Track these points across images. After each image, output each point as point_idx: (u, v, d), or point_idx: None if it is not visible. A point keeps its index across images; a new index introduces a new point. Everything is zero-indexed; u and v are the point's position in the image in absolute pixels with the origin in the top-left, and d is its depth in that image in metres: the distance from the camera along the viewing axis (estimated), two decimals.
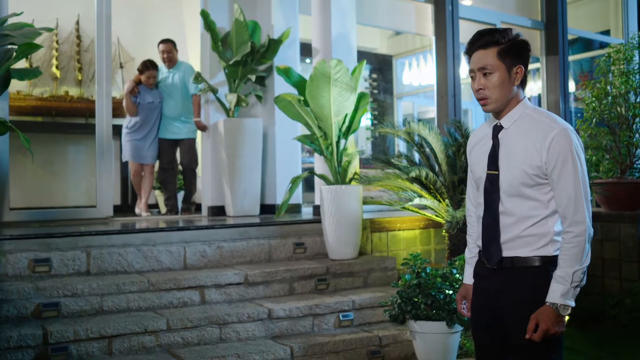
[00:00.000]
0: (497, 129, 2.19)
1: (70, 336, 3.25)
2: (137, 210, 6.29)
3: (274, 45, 5.71)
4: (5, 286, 3.47)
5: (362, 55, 6.18)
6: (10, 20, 4.40)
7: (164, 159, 6.27)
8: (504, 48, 2.11)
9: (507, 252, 2.17)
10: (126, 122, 6.15)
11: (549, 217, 2.11)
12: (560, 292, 2.03)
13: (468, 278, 2.42)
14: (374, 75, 9.97)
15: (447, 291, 3.67)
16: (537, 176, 2.08)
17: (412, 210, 4.92)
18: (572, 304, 2.04)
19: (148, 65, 6.15)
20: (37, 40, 4.09)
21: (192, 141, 6.31)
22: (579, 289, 2.04)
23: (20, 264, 3.71)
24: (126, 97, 6.02)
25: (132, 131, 6.08)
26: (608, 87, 5.89)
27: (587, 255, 2.04)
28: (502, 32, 2.13)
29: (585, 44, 9.41)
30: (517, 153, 2.12)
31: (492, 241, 2.20)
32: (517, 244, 2.14)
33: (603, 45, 8.82)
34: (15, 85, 6.54)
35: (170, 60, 6.20)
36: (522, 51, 2.14)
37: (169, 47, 6.20)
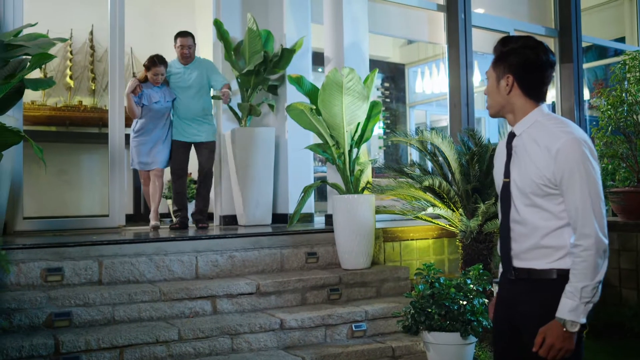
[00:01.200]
0: (511, 137, 2.17)
1: (82, 346, 3.23)
2: (152, 223, 5.57)
3: (286, 54, 5.72)
4: (17, 295, 3.47)
5: (374, 64, 6.16)
6: (25, 31, 4.45)
7: (174, 163, 5.62)
8: (496, 57, 2.15)
9: (522, 263, 2.11)
10: (133, 125, 5.54)
11: (563, 228, 2.03)
12: (569, 307, 1.95)
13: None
14: (387, 84, 9.95)
15: (461, 302, 3.62)
16: (546, 186, 2.02)
17: (425, 220, 4.88)
18: (582, 320, 1.95)
19: (155, 61, 5.42)
20: (51, 51, 4.14)
21: (213, 145, 5.69)
22: (590, 305, 1.95)
23: (33, 273, 3.72)
24: (127, 97, 5.31)
25: (138, 135, 5.46)
26: (624, 95, 5.82)
27: (599, 271, 1.95)
28: (501, 42, 2.15)
29: (600, 51, 9.34)
30: (526, 161, 2.08)
31: (505, 250, 2.17)
32: (532, 255, 2.08)
33: (618, 52, 8.74)
34: (30, 95, 6.60)
35: (189, 55, 5.59)
36: (513, 61, 2.10)
37: (189, 41, 5.56)
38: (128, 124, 5.71)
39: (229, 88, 5.56)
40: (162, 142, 5.51)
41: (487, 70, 2.20)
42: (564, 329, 1.95)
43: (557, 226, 2.03)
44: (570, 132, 2.00)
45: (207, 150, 5.62)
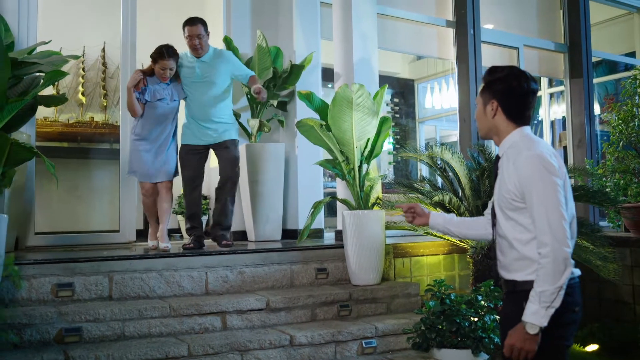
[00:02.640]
0: (497, 158, 2.39)
1: None
2: (151, 243, 4.93)
3: (296, 70, 5.75)
4: (28, 310, 3.48)
5: (383, 79, 6.18)
6: (39, 49, 4.51)
7: (187, 170, 4.88)
8: (484, 85, 2.37)
9: (508, 275, 2.29)
10: (132, 126, 4.84)
11: (534, 240, 2.17)
12: (531, 310, 2.09)
13: (436, 214, 2.62)
14: (396, 100, 9.97)
15: (472, 318, 3.59)
16: (514, 200, 2.20)
17: (435, 236, 4.87)
18: (542, 323, 2.07)
19: (164, 53, 4.66)
20: (64, 68, 4.19)
21: (235, 143, 4.96)
22: (552, 309, 2.07)
23: (44, 289, 3.73)
24: (128, 91, 4.65)
25: (139, 139, 4.73)
26: (635, 110, 5.80)
27: (559, 277, 2.06)
28: (488, 71, 2.37)
29: (610, 66, 9.32)
30: (502, 179, 2.28)
31: (496, 263, 2.39)
32: (514, 266, 2.26)
33: (628, 67, 8.72)
34: (42, 111, 6.67)
35: (201, 47, 4.81)
36: (497, 88, 2.30)
37: (199, 29, 4.77)
38: None
39: (257, 81, 4.97)
40: (168, 149, 4.79)
41: (477, 97, 2.43)
42: (525, 331, 2.09)
43: (529, 238, 2.19)
44: (532, 148, 2.19)
45: (229, 151, 4.87)
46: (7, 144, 3.36)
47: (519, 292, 2.20)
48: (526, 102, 2.30)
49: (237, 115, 5.71)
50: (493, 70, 2.35)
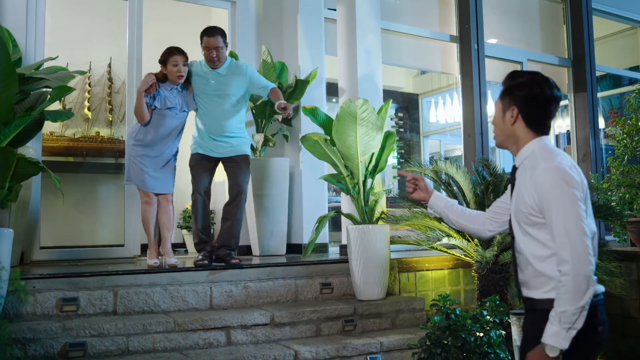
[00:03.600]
0: (514, 169, 2.27)
1: None
2: (151, 261, 4.46)
3: (301, 85, 5.78)
4: (33, 325, 3.48)
5: (388, 94, 6.21)
6: (46, 64, 4.56)
7: (199, 180, 4.61)
8: (504, 90, 2.25)
9: (527, 292, 2.18)
10: (132, 130, 4.57)
11: (552, 257, 2.06)
12: (550, 332, 1.97)
13: (439, 195, 2.57)
14: (400, 114, 9.99)
15: (477, 333, 3.57)
16: (532, 215, 2.09)
17: (440, 250, 4.85)
18: (562, 346, 1.95)
19: (172, 50, 4.48)
20: (71, 83, 4.23)
21: (246, 160, 4.71)
22: (573, 331, 1.95)
23: (49, 303, 3.73)
24: (139, 95, 4.40)
25: (139, 144, 4.46)
26: (639, 124, 5.80)
27: (580, 296, 1.93)
28: (509, 75, 2.26)
29: (615, 80, 9.34)
30: (519, 192, 2.17)
31: (515, 280, 2.30)
32: (532, 283, 2.14)
33: (632, 81, 8.73)
34: (49, 126, 6.71)
35: (218, 59, 4.56)
36: (518, 94, 2.19)
37: (218, 41, 4.53)
38: None
39: (280, 95, 4.68)
40: (172, 162, 4.59)
41: (495, 100, 2.30)
42: (545, 354, 1.97)
43: (547, 254, 2.07)
44: (551, 160, 2.07)
45: (241, 167, 4.62)
46: (14, 159, 3.38)
47: (537, 310, 2.10)
48: (548, 111, 2.18)
49: None
50: (514, 74, 2.23)
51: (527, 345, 2.12)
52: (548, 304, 2.03)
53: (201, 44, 4.60)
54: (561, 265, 1.98)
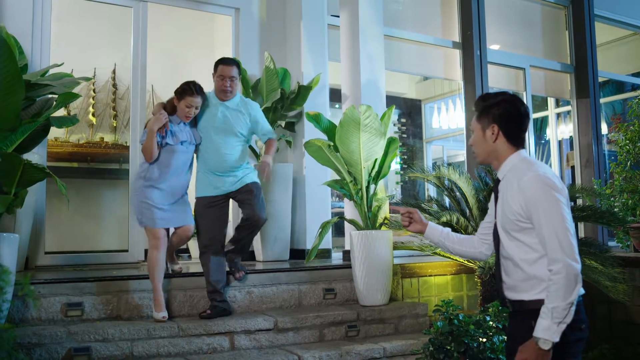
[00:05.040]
0: (497, 182, 2.44)
1: None
2: (160, 314, 3.90)
3: (303, 91, 5.81)
4: (38, 330, 3.50)
5: (390, 99, 6.23)
6: (52, 71, 4.59)
7: (207, 229, 4.23)
8: (480, 111, 2.42)
9: (515, 295, 2.32)
10: (141, 170, 4.14)
11: (542, 259, 2.21)
12: (542, 326, 2.12)
13: (434, 226, 2.67)
14: (403, 120, 10.02)
15: (481, 339, 3.58)
16: (519, 221, 2.25)
17: (443, 256, 4.86)
18: (554, 339, 2.10)
19: (192, 89, 4.08)
20: (76, 89, 4.25)
21: (257, 186, 4.32)
22: (563, 325, 2.11)
23: (54, 308, 3.76)
24: (150, 134, 4.00)
25: (150, 185, 4.03)
26: None
27: (570, 293, 2.10)
28: (481, 98, 2.44)
29: (618, 85, 9.36)
30: (505, 201, 2.32)
31: (499, 284, 2.41)
32: (521, 287, 2.28)
33: (635, 87, 8.75)
34: (53, 132, 6.72)
35: (232, 90, 4.29)
36: (495, 112, 2.36)
37: (233, 71, 4.28)
38: None
39: (273, 148, 4.42)
40: (185, 196, 4.23)
41: (472, 123, 2.46)
42: (537, 347, 2.12)
43: (536, 257, 2.24)
44: (534, 170, 2.25)
45: (252, 193, 4.23)
46: (21, 165, 3.41)
47: (526, 311, 2.24)
48: (523, 125, 2.38)
49: None
50: (486, 97, 2.42)
51: (513, 343, 2.26)
52: (539, 304, 2.17)
53: (214, 72, 4.33)
54: (552, 265, 2.14)
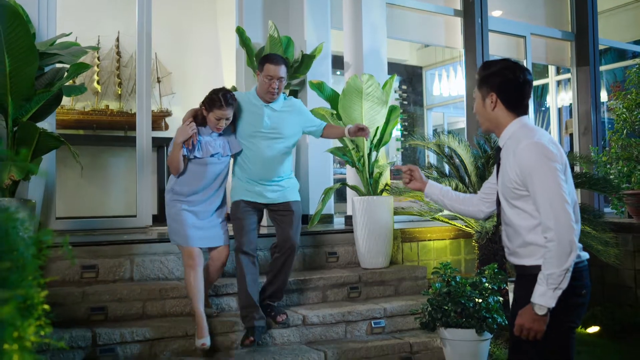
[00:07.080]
0: (498, 149, 2.45)
1: (117, 339, 3.44)
2: (199, 341, 3.50)
3: (307, 60, 5.88)
4: (56, 291, 3.68)
5: (392, 66, 6.30)
6: (59, 40, 4.67)
7: (246, 237, 3.77)
8: (480, 80, 2.42)
9: (518, 260, 2.36)
10: (172, 183, 3.72)
11: (539, 226, 2.23)
12: (539, 292, 2.16)
13: (434, 184, 2.73)
14: (404, 87, 10.07)
15: (476, 299, 3.75)
16: (516, 189, 2.27)
17: (442, 221, 5.01)
18: (549, 304, 2.14)
19: (221, 101, 3.57)
20: (82, 58, 4.34)
21: (298, 205, 3.92)
22: (559, 291, 2.13)
23: (70, 270, 3.92)
24: (175, 146, 3.57)
25: (178, 199, 3.67)
26: (639, 98, 5.90)
27: (564, 259, 2.12)
28: (482, 66, 2.45)
29: (619, 53, 9.38)
30: (504, 169, 2.34)
31: (503, 249, 2.45)
32: (522, 252, 2.33)
33: (636, 54, 8.78)
34: None
35: (279, 92, 3.82)
36: (495, 81, 2.36)
37: (282, 71, 3.76)
38: (155, 127, 5.74)
39: (333, 125, 4.14)
40: (220, 211, 3.81)
41: (474, 91, 2.47)
42: (533, 312, 2.16)
43: (535, 224, 2.25)
44: (531, 137, 2.26)
45: (293, 215, 3.82)
46: (37, 133, 3.53)
47: (527, 275, 2.27)
48: (523, 92, 2.36)
49: None
50: (487, 65, 2.42)
51: (517, 306, 2.31)
52: (539, 269, 2.20)
53: (259, 71, 3.80)
54: (546, 233, 2.16)
